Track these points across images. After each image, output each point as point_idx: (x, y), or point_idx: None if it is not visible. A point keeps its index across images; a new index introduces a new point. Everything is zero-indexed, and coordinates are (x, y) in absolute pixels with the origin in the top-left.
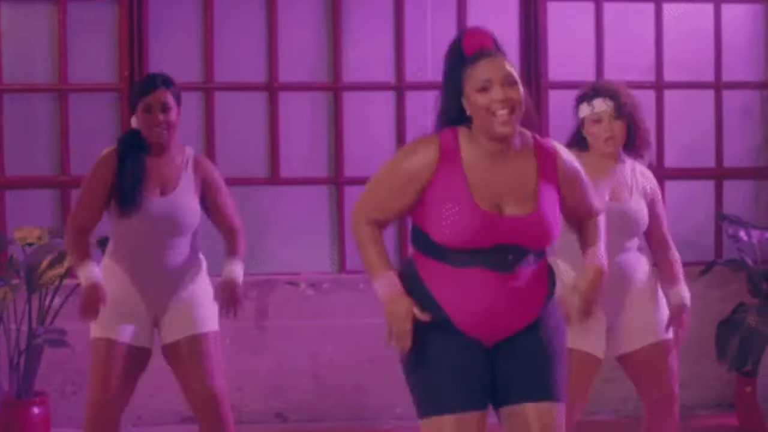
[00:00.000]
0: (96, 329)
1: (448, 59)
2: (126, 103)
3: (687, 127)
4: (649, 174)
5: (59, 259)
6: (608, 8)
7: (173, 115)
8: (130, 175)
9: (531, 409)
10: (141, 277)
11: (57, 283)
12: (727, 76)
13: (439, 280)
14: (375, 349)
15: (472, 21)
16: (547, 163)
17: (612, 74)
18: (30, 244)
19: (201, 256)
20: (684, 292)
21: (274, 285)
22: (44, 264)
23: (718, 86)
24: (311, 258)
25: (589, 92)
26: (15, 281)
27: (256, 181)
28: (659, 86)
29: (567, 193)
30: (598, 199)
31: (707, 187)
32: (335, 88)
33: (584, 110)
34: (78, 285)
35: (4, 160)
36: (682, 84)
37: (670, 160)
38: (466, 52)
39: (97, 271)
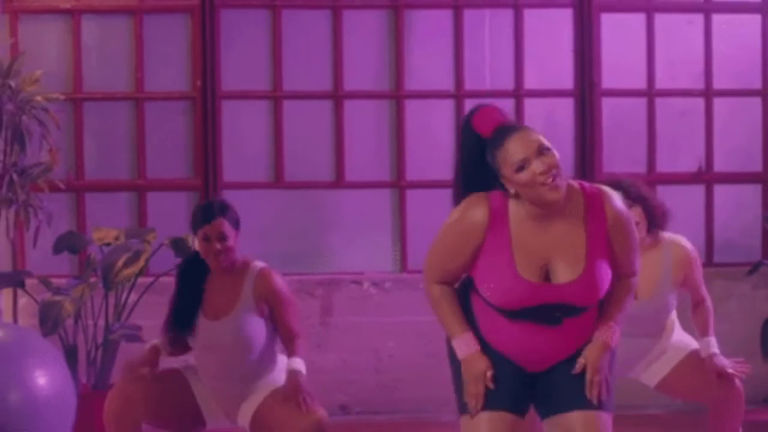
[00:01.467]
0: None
1: (464, 141)
2: (199, 110)
3: (735, 132)
4: (684, 249)
5: (134, 258)
6: (659, 18)
7: (231, 242)
8: (184, 302)
9: (576, 417)
10: (213, 384)
11: (132, 280)
12: None
13: (488, 321)
14: (433, 345)
15: (528, 31)
16: (595, 214)
17: (663, 82)
18: (107, 244)
19: (277, 360)
20: (713, 341)
21: (339, 284)
22: (120, 263)
23: (765, 93)
24: (374, 258)
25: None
26: (92, 279)
27: (323, 184)
28: (708, 94)
29: (615, 238)
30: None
31: (755, 190)
32: (397, 96)
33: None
34: (152, 282)
35: (85, 165)
36: (731, 91)
37: (719, 165)
38: (482, 132)
39: (160, 343)
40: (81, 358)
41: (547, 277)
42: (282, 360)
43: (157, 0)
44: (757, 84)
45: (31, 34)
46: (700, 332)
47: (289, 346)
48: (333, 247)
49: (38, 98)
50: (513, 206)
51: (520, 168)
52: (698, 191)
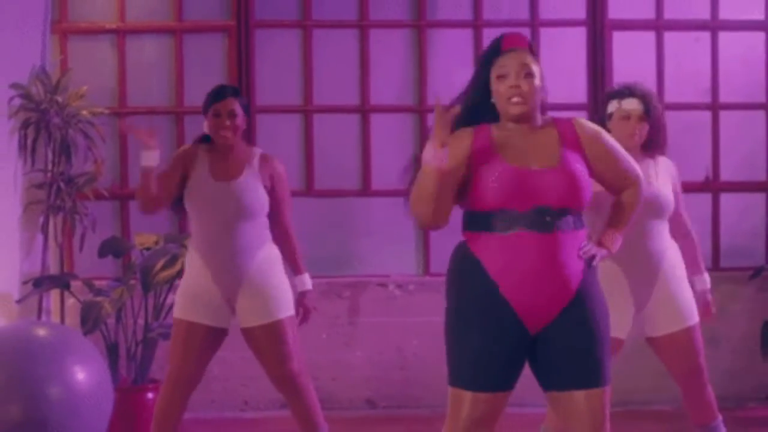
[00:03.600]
0: (177, 310)
1: (484, 52)
2: None
3: (741, 144)
4: (669, 162)
5: (172, 261)
6: (668, 36)
7: (239, 120)
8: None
9: (580, 396)
10: (213, 261)
11: (169, 282)
12: None
13: (488, 249)
14: None
15: (543, 49)
16: (566, 131)
17: (672, 96)
18: (147, 249)
19: (274, 246)
20: (706, 278)
21: (366, 286)
22: (158, 266)
23: None
24: (398, 262)
25: (624, 91)
26: (132, 281)
27: (350, 193)
28: (715, 107)
29: (594, 154)
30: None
31: (759, 198)
32: (420, 110)
33: (613, 106)
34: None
35: (129, 174)
36: (736, 105)
37: (725, 175)
38: (503, 47)
39: (155, 159)
40: (122, 355)
41: (527, 167)
42: (274, 252)
43: (196, 20)
44: (761, 98)
45: (78, 53)
46: (692, 266)
47: (286, 249)
48: (360, 252)
49: (84, 112)
50: (495, 129)
51: (500, 76)
52: (705, 199)
